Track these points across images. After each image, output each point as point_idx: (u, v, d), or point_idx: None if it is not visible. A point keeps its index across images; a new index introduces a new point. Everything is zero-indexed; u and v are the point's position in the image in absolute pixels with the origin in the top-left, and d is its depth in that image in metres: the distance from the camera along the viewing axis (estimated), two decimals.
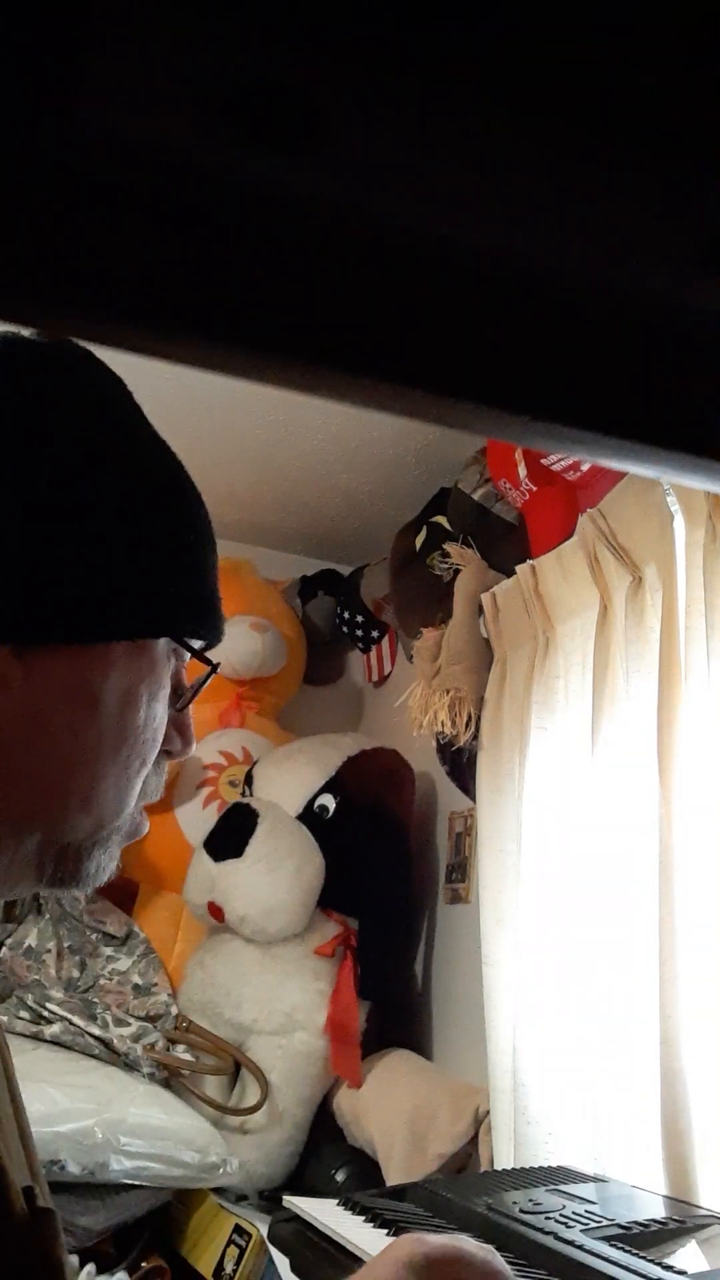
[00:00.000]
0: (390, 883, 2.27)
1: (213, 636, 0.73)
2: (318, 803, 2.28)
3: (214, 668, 0.76)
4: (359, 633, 2.72)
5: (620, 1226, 1.08)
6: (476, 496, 2.01)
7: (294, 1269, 1.18)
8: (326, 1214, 1.18)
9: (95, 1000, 2.14)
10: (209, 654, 0.75)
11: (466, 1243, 0.72)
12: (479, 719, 1.94)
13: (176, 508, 0.70)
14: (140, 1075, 2.05)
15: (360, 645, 2.77)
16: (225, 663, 0.71)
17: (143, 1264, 1.86)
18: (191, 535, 0.70)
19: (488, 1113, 1.78)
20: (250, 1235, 1.87)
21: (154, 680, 0.69)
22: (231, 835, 2.17)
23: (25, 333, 0.68)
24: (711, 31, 0.24)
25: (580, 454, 0.32)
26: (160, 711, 0.70)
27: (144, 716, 0.68)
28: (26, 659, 0.63)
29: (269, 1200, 2.04)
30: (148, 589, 0.67)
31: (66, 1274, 0.58)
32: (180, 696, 0.73)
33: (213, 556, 0.73)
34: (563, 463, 1.72)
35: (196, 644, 0.72)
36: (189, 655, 0.72)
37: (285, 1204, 1.26)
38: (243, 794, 2.37)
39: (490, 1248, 0.75)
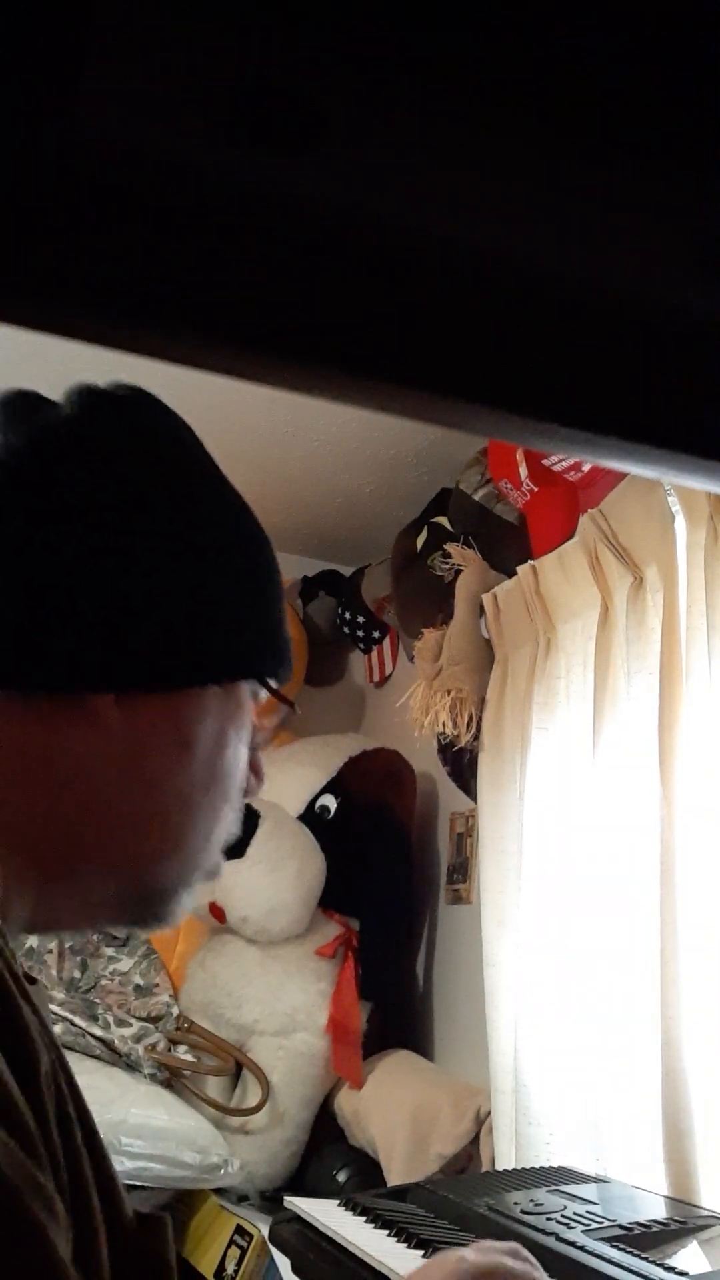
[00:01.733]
0: (391, 883, 2.26)
1: (288, 676, 0.75)
2: (319, 803, 2.28)
3: (292, 706, 0.79)
4: (360, 633, 2.72)
5: (621, 1227, 1.08)
6: (478, 497, 2.01)
7: (295, 1270, 1.18)
8: (328, 1215, 1.18)
9: (96, 1001, 2.14)
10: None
11: (507, 1258, 0.73)
12: (480, 719, 1.94)
13: (257, 554, 0.73)
14: (141, 1076, 2.05)
15: (361, 646, 2.77)
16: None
17: None
18: (269, 580, 0.73)
19: (489, 1113, 1.78)
20: (251, 1236, 1.87)
21: (240, 722, 0.71)
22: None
23: (101, 384, 0.70)
24: (708, 37, 0.24)
25: (581, 454, 0.32)
26: (244, 752, 0.73)
27: (231, 758, 0.71)
28: (125, 705, 0.65)
29: (270, 1201, 2.04)
30: (237, 634, 0.69)
31: (174, 1277, 0.59)
32: (253, 736, 0.75)
33: (284, 599, 0.75)
34: (564, 463, 1.72)
35: (273, 683, 0.74)
36: (264, 694, 0.74)
37: (286, 1204, 1.26)
38: None
39: (532, 1260, 0.75)
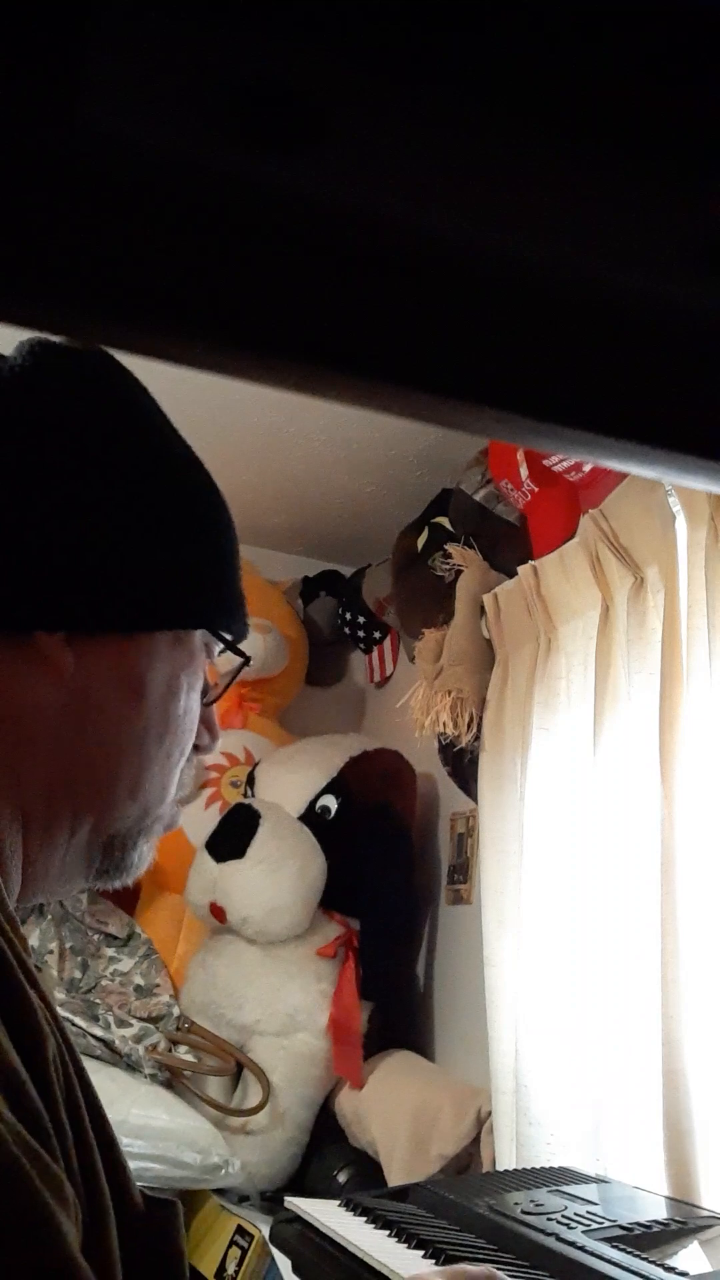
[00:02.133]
0: (392, 884, 2.26)
1: (242, 631, 0.76)
2: (320, 803, 2.28)
3: (246, 660, 0.79)
4: (361, 633, 2.72)
5: (622, 1228, 1.08)
6: (478, 497, 2.01)
7: (296, 1270, 1.18)
8: (328, 1215, 1.18)
9: (97, 1001, 2.14)
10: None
11: (467, 1273, 0.74)
12: (481, 720, 1.94)
13: (211, 508, 0.74)
14: (142, 1076, 2.05)
15: (362, 646, 2.77)
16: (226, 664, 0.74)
17: None
18: (223, 535, 0.74)
19: (489, 1114, 1.78)
20: (252, 1236, 1.87)
21: (193, 671, 0.72)
22: (233, 836, 2.17)
23: (54, 339, 0.70)
24: (708, 36, 0.24)
25: (581, 455, 0.32)
26: (196, 703, 0.73)
27: (184, 706, 0.71)
28: (77, 647, 0.65)
29: (271, 1201, 2.04)
30: (189, 583, 0.70)
31: (186, 1264, 0.60)
32: (207, 693, 0.75)
33: (238, 555, 0.76)
34: (564, 463, 1.72)
35: (229, 637, 0.75)
36: (217, 650, 0.75)
37: (287, 1205, 1.26)
38: (245, 795, 2.37)
39: (491, 1270, 0.76)
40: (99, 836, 0.69)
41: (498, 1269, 0.92)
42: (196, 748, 0.75)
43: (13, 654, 0.64)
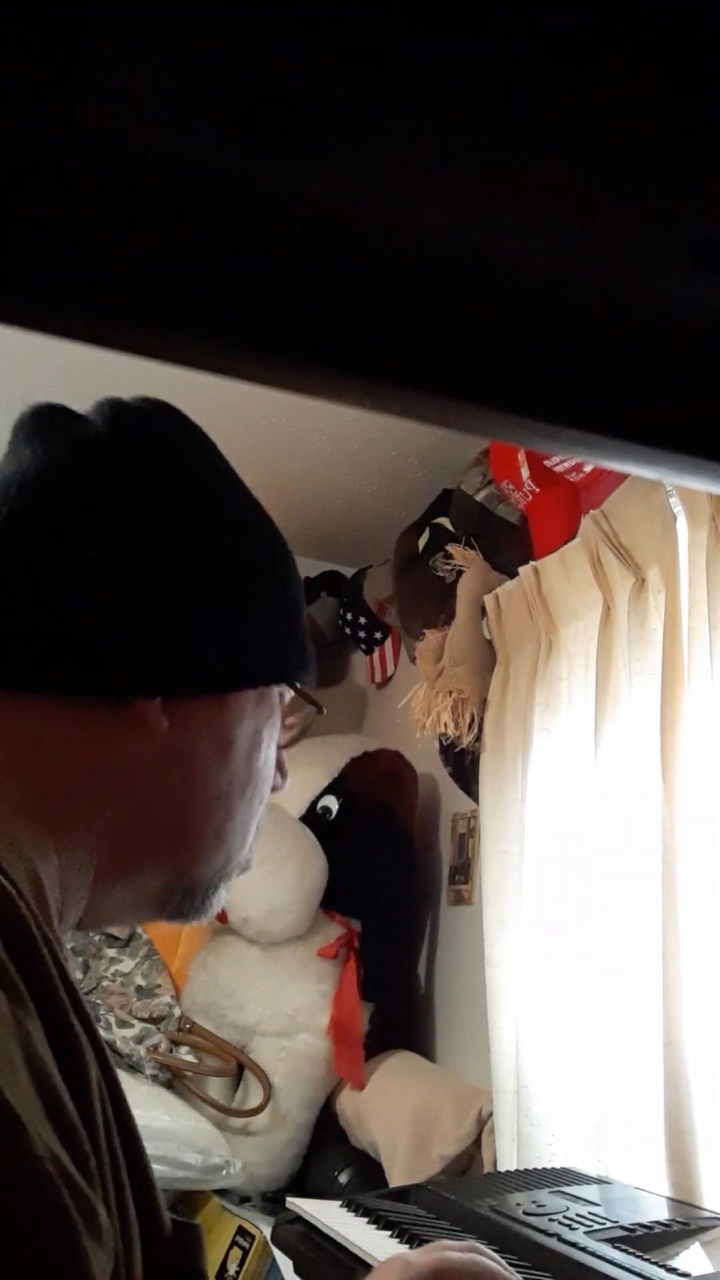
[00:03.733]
0: (393, 884, 2.26)
1: (314, 678, 0.79)
2: (320, 804, 2.28)
3: (320, 709, 0.84)
4: (362, 634, 2.72)
5: (624, 1228, 1.08)
6: (479, 498, 2.01)
7: (297, 1271, 1.18)
8: (330, 1216, 1.18)
9: (98, 1002, 2.14)
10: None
11: (450, 1252, 0.75)
12: (482, 720, 1.94)
13: (283, 562, 0.77)
14: (143, 1077, 2.05)
15: (363, 646, 2.77)
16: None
17: None
18: (294, 587, 0.77)
19: (491, 1114, 1.78)
20: (253, 1237, 1.87)
21: (273, 723, 0.76)
22: None
23: (127, 398, 0.73)
24: (708, 36, 0.24)
25: (582, 455, 0.32)
26: (274, 752, 0.77)
27: (265, 757, 0.75)
28: (170, 710, 0.68)
29: (272, 1202, 2.03)
30: (272, 642, 0.73)
31: None
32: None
33: (304, 604, 0.80)
34: (565, 464, 1.72)
35: (301, 686, 0.79)
36: (289, 696, 0.78)
37: (288, 1206, 1.26)
38: None
39: (474, 1244, 0.78)
40: (180, 882, 0.72)
41: None
42: (272, 789, 0.78)
43: (110, 718, 0.67)
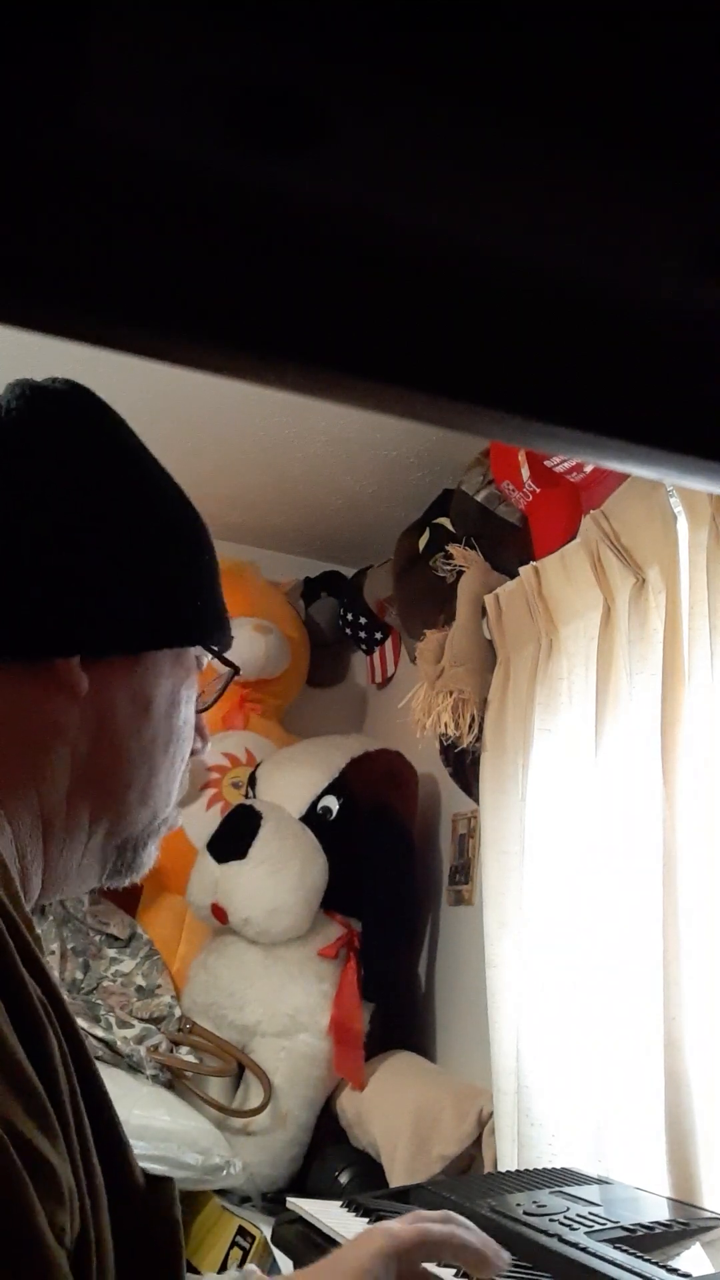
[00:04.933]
0: (393, 884, 2.26)
1: (228, 642, 0.83)
2: (321, 804, 2.28)
3: (235, 670, 0.85)
4: (362, 634, 2.72)
5: (624, 1229, 1.08)
6: (480, 498, 2.01)
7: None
8: (330, 1216, 1.18)
9: (99, 1002, 2.14)
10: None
11: (428, 1222, 0.78)
12: (482, 720, 1.94)
13: (195, 530, 0.80)
14: (143, 1077, 2.05)
15: (363, 647, 2.77)
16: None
17: None
18: (207, 554, 0.80)
19: (491, 1114, 1.78)
20: (254, 1237, 1.87)
21: (190, 683, 0.79)
22: (235, 837, 2.17)
23: (38, 380, 0.77)
24: (709, 36, 0.24)
25: (582, 455, 0.32)
26: (192, 712, 0.80)
27: (184, 716, 0.78)
28: (90, 669, 0.72)
29: (272, 1202, 2.03)
30: (185, 603, 0.77)
31: (182, 1234, 0.65)
32: (198, 701, 0.82)
33: (219, 570, 0.82)
34: (566, 464, 1.72)
35: (217, 649, 0.82)
36: (206, 660, 0.82)
37: (289, 1206, 1.26)
38: (246, 796, 2.37)
39: (449, 1214, 0.81)
40: (113, 840, 0.76)
41: (499, 1270, 0.92)
42: (191, 752, 0.81)
43: (33, 678, 0.71)
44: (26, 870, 0.69)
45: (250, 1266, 0.82)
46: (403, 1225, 0.77)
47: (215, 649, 0.81)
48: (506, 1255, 0.81)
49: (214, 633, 0.80)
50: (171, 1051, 2.11)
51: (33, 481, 0.71)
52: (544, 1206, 1.14)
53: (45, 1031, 0.54)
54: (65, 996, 0.61)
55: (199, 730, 0.82)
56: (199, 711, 0.81)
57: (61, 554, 0.70)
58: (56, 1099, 0.53)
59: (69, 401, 0.76)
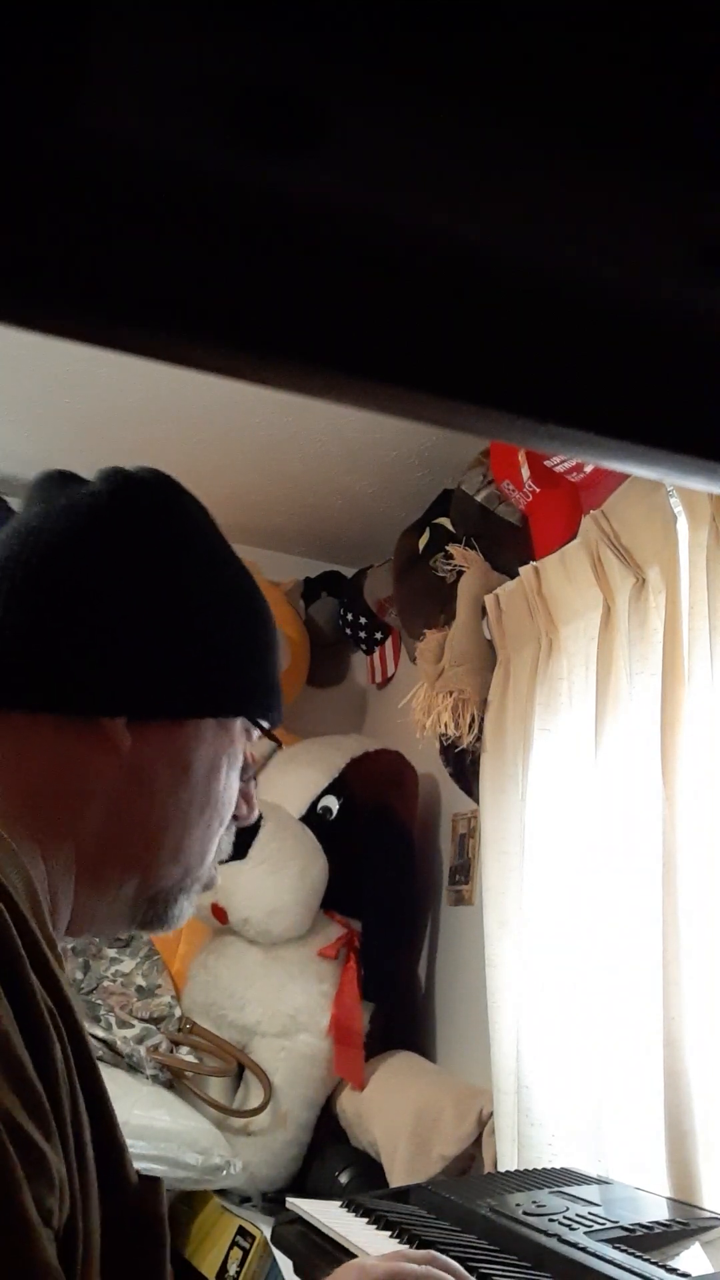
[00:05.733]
0: (393, 884, 2.26)
1: (277, 718, 0.87)
2: (321, 804, 2.28)
3: (278, 745, 0.89)
4: (362, 634, 2.72)
5: (624, 1229, 1.08)
6: (480, 498, 2.01)
7: (297, 1271, 1.18)
8: (330, 1216, 1.18)
9: (99, 1002, 2.14)
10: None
11: (407, 1263, 0.80)
12: (482, 720, 1.94)
13: (255, 609, 0.85)
14: (143, 1077, 2.05)
15: (363, 647, 2.77)
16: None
17: None
18: (265, 632, 0.85)
19: (491, 1115, 1.78)
20: (254, 1237, 1.87)
21: (233, 753, 0.83)
22: (235, 837, 2.17)
23: (130, 468, 0.83)
24: (709, 36, 0.24)
25: (582, 455, 0.32)
26: (235, 781, 0.84)
27: (224, 783, 0.82)
28: (135, 730, 0.76)
29: (272, 1202, 2.03)
30: (233, 677, 0.81)
31: (167, 1229, 0.67)
32: (246, 770, 0.86)
33: (277, 650, 0.87)
34: (566, 464, 1.72)
35: (265, 724, 0.86)
36: (255, 735, 0.86)
37: (289, 1206, 1.26)
38: None
39: (431, 1253, 0.84)
40: (144, 893, 0.79)
41: (500, 1270, 0.92)
42: (235, 818, 0.86)
43: (79, 733, 0.75)
44: (57, 903, 0.74)
45: None
46: (378, 1262, 0.80)
47: (261, 723, 0.85)
48: None
49: (260, 708, 0.84)
50: (171, 1051, 2.11)
51: (99, 553, 0.77)
52: (544, 1206, 1.14)
53: (49, 1036, 0.57)
54: (76, 1005, 0.62)
55: (246, 798, 0.86)
56: (244, 780, 0.85)
57: (119, 619, 0.75)
58: (55, 1099, 0.56)
59: (149, 487, 0.82)
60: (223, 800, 0.83)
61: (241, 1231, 1.91)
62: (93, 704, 0.75)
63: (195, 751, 0.80)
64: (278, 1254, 1.50)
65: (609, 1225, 1.08)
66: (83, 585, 0.76)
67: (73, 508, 0.79)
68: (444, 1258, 0.84)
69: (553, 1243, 1.01)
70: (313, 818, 2.26)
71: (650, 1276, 0.93)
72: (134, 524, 0.79)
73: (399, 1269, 0.79)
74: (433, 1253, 0.84)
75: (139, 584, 0.77)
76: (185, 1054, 2.13)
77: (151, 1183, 0.69)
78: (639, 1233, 1.07)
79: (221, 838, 0.84)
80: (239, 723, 0.83)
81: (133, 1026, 2.11)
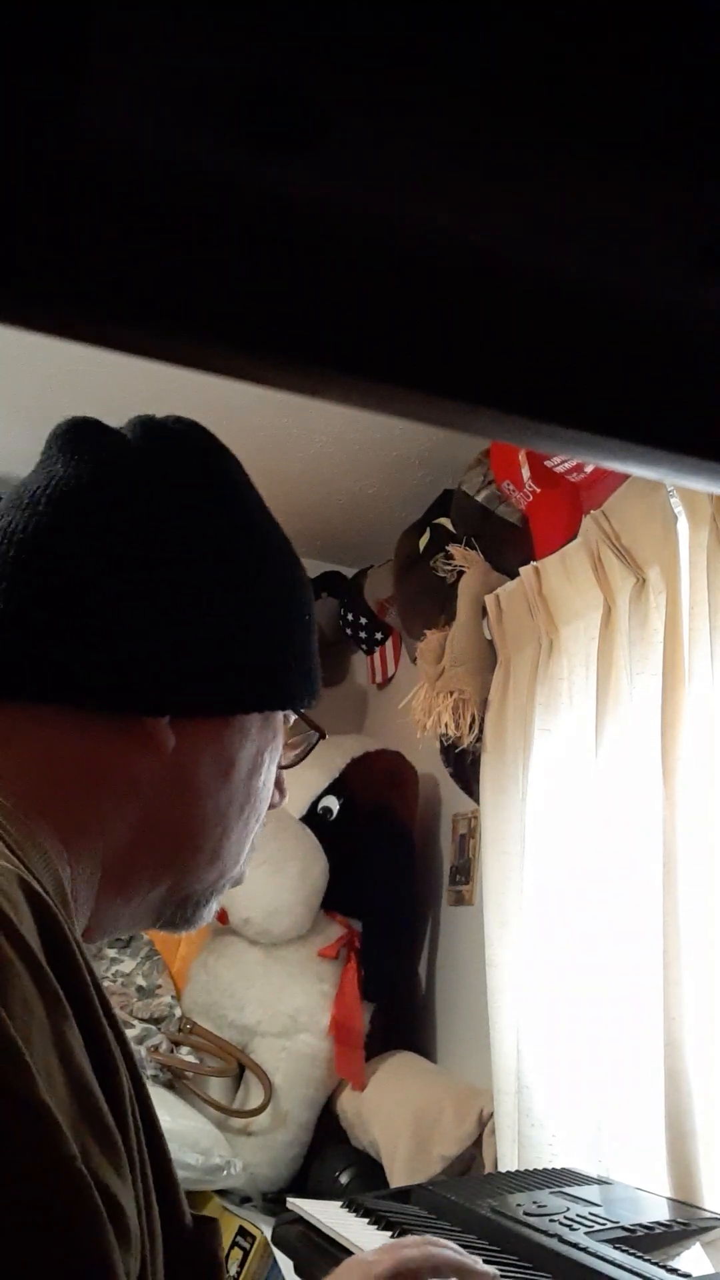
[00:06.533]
0: (394, 885, 2.26)
1: (315, 703, 0.80)
2: (321, 805, 2.28)
3: (322, 734, 0.85)
4: (363, 634, 2.72)
5: (624, 1229, 1.08)
6: (480, 498, 2.01)
7: (298, 1271, 1.18)
8: (330, 1216, 1.18)
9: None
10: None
11: (405, 1250, 0.77)
12: (482, 721, 1.94)
13: (300, 591, 0.78)
14: (144, 1078, 2.05)
15: (364, 647, 2.77)
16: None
17: None
18: (308, 617, 0.78)
19: (491, 1115, 1.78)
20: (254, 1237, 1.87)
21: (275, 746, 0.78)
22: None
23: (160, 417, 0.75)
24: (709, 36, 0.24)
25: (583, 455, 0.32)
26: (274, 773, 0.79)
27: (265, 779, 0.77)
28: (179, 728, 0.70)
29: (273, 1202, 2.03)
30: (281, 668, 0.75)
31: (225, 1274, 0.63)
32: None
33: (316, 629, 0.80)
34: (566, 464, 1.72)
35: (305, 712, 0.81)
36: (294, 718, 0.81)
37: (289, 1206, 1.26)
38: None
39: (426, 1238, 0.80)
40: (175, 895, 0.75)
41: (501, 1271, 0.92)
42: (271, 805, 0.81)
43: (118, 732, 0.69)
44: (76, 911, 0.68)
45: None
46: (378, 1255, 0.77)
47: (303, 711, 0.80)
48: (493, 1270, 0.81)
49: (305, 696, 0.78)
50: (172, 1052, 2.11)
51: (141, 532, 0.70)
52: (544, 1207, 1.14)
53: (119, 1070, 0.53)
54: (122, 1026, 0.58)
55: (278, 784, 0.81)
56: (282, 768, 0.81)
57: (163, 610, 0.69)
58: (125, 1137, 0.52)
59: (187, 445, 0.75)
60: (261, 797, 0.78)
61: (242, 1232, 1.91)
62: (135, 702, 0.69)
63: (240, 749, 0.74)
64: (278, 1254, 1.50)
65: (610, 1225, 1.08)
66: (120, 567, 0.68)
67: (106, 470, 0.71)
68: (438, 1239, 0.81)
69: (553, 1243, 1.01)
70: (313, 818, 2.26)
71: (651, 1277, 0.93)
72: (180, 496, 0.72)
73: (400, 1258, 0.76)
74: (428, 1237, 0.82)
75: (183, 566, 0.70)
76: (185, 1054, 2.13)
77: (208, 1223, 0.64)
78: (639, 1233, 1.07)
79: (256, 834, 0.79)
80: (281, 713, 0.78)
81: (133, 1027, 2.11)
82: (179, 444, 0.74)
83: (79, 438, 0.73)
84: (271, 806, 0.81)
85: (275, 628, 0.74)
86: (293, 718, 0.81)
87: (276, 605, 0.75)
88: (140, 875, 0.71)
